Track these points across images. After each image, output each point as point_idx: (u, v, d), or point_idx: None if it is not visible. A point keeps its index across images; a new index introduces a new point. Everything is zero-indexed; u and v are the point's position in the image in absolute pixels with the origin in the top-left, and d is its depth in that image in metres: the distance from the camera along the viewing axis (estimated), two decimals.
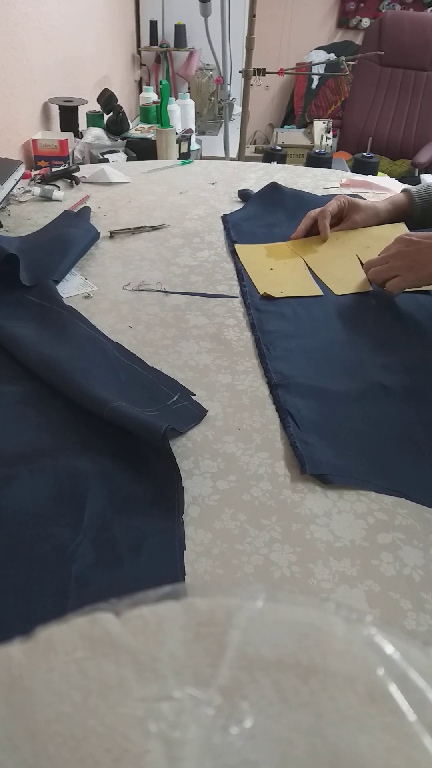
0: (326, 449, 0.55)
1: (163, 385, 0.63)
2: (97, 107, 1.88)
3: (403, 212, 0.95)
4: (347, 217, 0.95)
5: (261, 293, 0.81)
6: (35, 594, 0.41)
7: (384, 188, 1.20)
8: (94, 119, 1.86)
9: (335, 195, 0.98)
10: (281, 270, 0.87)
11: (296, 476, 0.53)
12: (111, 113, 1.83)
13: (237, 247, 0.94)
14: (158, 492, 0.50)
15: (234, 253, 0.92)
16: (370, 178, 1.28)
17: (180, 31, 2.68)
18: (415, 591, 0.43)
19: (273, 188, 1.10)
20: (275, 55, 3.23)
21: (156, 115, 1.90)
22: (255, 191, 1.12)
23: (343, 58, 2.10)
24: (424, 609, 0.42)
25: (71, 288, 0.81)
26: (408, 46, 2.66)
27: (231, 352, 0.70)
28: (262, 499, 0.50)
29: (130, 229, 0.99)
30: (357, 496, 0.51)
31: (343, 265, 0.87)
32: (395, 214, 0.95)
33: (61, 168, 1.22)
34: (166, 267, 0.88)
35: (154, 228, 1.00)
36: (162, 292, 0.82)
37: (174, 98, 2.08)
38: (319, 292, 0.82)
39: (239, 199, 1.13)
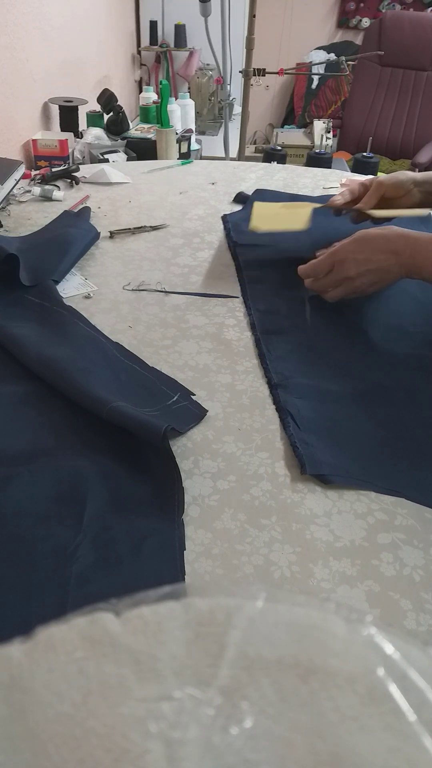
0: (326, 449, 0.55)
1: (163, 385, 0.63)
2: (97, 107, 1.88)
3: None
4: (372, 183, 0.90)
5: (250, 228, 0.83)
6: (35, 594, 0.41)
7: None
8: (94, 119, 1.86)
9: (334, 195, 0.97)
10: (285, 212, 0.89)
11: (296, 476, 0.53)
12: (111, 113, 1.83)
13: (256, 205, 0.93)
14: (158, 492, 0.50)
15: (235, 256, 0.92)
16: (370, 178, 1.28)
17: (180, 31, 2.68)
18: (415, 591, 0.43)
19: (265, 191, 1.11)
20: (275, 55, 3.23)
21: (156, 115, 1.91)
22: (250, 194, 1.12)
23: (343, 58, 2.10)
24: (424, 609, 0.42)
25: (71, 288, 0.81)
26: (408, 46, 2.66)
27: (231, 352, 0.70)
28: (262, 499, 0.50)
29: (130, 229, 0.99)
30: (357, 496, 0.51)
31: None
32: (428, 183, 0.90)
33: (61, 168, 1.22)
34: (166, 267, 0.88)
35: (154, 228, 1.00)
36: (162, 292, 0.82)
37: (174, 98, 2.08)
38: (303, 226, 0.82)
39: (236, 203, 1.13)
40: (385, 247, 0.68)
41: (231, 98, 2.73)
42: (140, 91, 2.77)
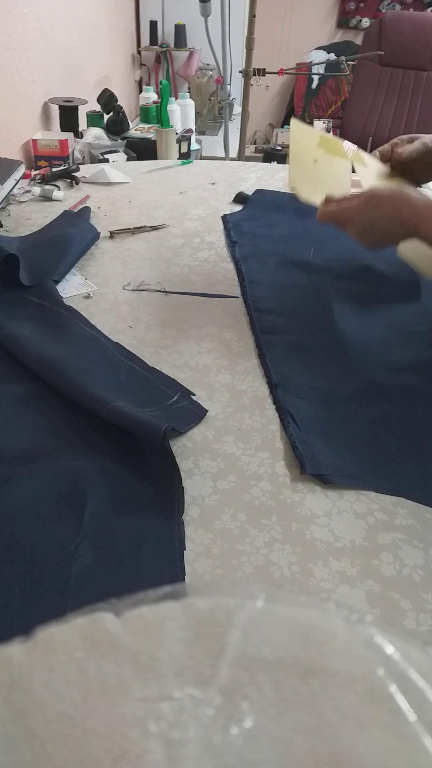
0: (326, 449, 0.55)
1: (163, 385, 0.63)
2: (97, 107, 1.88)
3: None
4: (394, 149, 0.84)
5: (290, 186, 0.76)
6: (35, 594, 0.41)
7: None
8: (94, 119, 1.86)
9: None
10: (324, 165, 0.79)
11: (296, 476, 0.53)
12: (111, 113, 1.83)
13: (293, 121, 0.83)
14: (158, 492, 0.50)
15: (235, 256, 0.91)
16: None
17: (180, 31, 2.68)
18: (415, 591, 0.43)
19: (266, 192, 1.11)
20: (275, 55, 3.23)
21: (156, 115, 1.91)
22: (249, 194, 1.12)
23: (343, 58, 2.10)
24: (424, 609, 0.42)
25: (71, 288, 0.81)
26: (408, 46, 2.65)
27: (231, 352, 0.70)
28: (262, 499, 0.50)
29: (130, 229, 0.99)
30: (357, 496, 0.51)
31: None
32: None
33: (61, 168, 1.22)
34: (166, 267, 0.88)
35: (154, 228, 1.00)
36: (162, 292, 0.82)
37: (174, 98, 2.08)
38: (346, 190, 0.76)
39: (236, 203, 1.13)
40: (391, 215, 0.66)
41: (231, 98, 2.73)
42: (140, 91, 2.77)
